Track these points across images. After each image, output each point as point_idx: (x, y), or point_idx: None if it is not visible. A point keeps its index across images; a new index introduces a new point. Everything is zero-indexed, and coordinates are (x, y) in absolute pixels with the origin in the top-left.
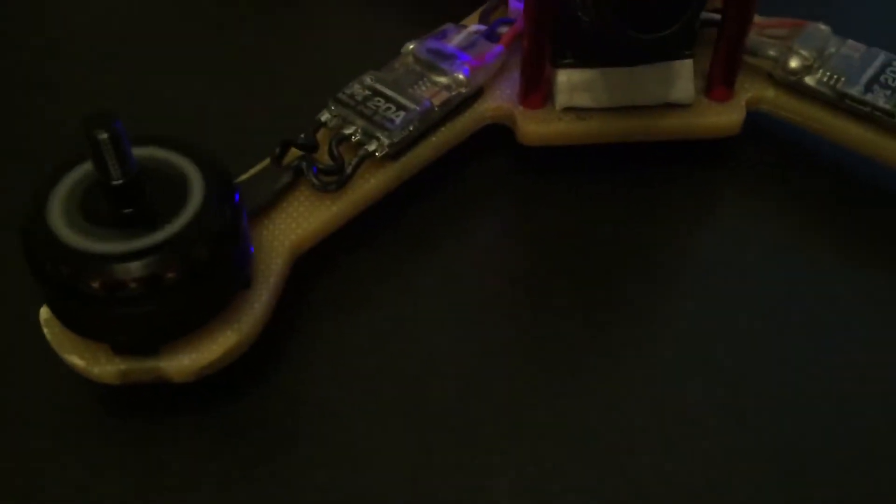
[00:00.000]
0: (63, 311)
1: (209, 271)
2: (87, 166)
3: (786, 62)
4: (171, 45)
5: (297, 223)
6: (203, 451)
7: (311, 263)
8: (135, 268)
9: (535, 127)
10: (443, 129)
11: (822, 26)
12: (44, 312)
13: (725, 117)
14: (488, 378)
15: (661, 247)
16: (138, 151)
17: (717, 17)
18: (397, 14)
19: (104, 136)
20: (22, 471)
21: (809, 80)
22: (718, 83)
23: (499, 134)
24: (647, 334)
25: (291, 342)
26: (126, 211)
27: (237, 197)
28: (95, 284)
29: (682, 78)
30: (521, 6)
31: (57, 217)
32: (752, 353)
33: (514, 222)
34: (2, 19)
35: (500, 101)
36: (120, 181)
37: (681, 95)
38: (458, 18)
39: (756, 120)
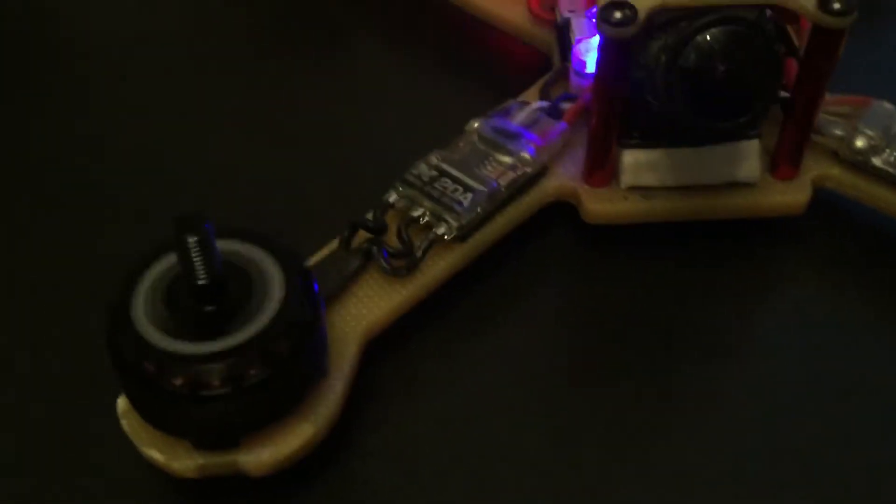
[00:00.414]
0: (144, 406)
1: (290, 366)
2: (171, 259)
3: (852, 141)
4: (232, 115)
5: (368, 309)
6: None
7: (377, 344)
8: (218, 367)
9: (600, 206)
10: (508, 208)
11: (887, 104)
12: (121, 404)
13: (791, 196)
14: (552, 464)
15: (724, 327)
16: (219, 245)
17: (785, 94)
18: (457, 85)
19: (194, 239)
20: None
21: (876, 161)
22: (784, 162)
23: (561, 208)
24: (708, 418)
25: (361, 429)
26: (209, 308)
27: (316, 288)
28: (178, 383)
29: (749, 158)
30: (581, 81)
31: (141, 312)
32: (817, 438)
33: (576, 301)
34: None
35: (565, 179)
36: (205, 281)
37: (747, 175)
38: (517, 91)
39: (822, 196)
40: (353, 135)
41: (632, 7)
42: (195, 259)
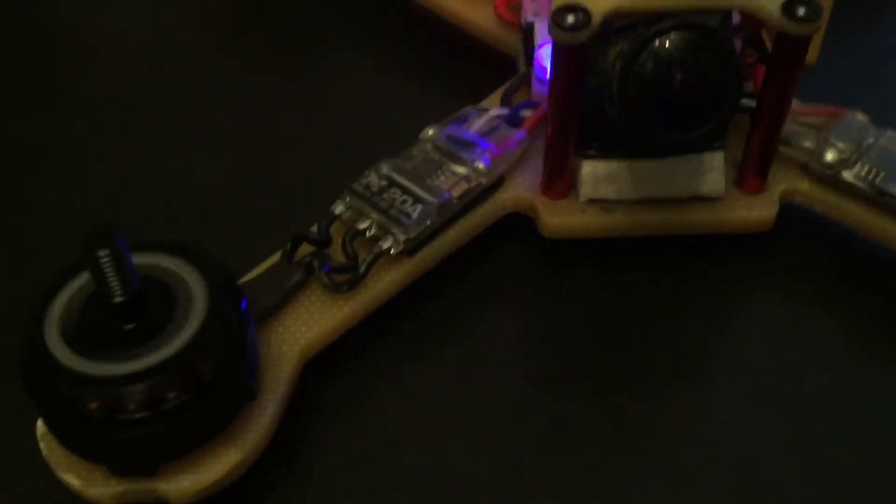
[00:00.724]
0: (59, 430)
1: (213, 388)
2: (85, 277)
3: (822, 155)
4: (178, 118)
5: (308, 326)
6: None
7: (317, 361)
8: (135, 390)
9: (557, 219)
10: (461, 221)
11: (861, 116)
12: (41, 426)
13: (757, 212)
14: (502, 492)
15: (688, 345)
16: (138, 259)
17: (751, 103)
18: (421, 89)
19: (105, 253)
20: None
21: (847, 175)
22: (751, 175)
23: (519, 219)
24: (674, 439)
25: (298, 451)
26: (127, 327)
27: (244, 304)
28: (93, 406)
29: (713, 171)
30: (543, 88)
31: (54, 335)
32: (786, 455)
33: (534, 317)
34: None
35: (522, 189)
36: (121, 298)
37: (711, 189)
38: (483, 95)
39: (789, 210)
40: (308, 141)
41: (585, 11)
42: (109, 275)
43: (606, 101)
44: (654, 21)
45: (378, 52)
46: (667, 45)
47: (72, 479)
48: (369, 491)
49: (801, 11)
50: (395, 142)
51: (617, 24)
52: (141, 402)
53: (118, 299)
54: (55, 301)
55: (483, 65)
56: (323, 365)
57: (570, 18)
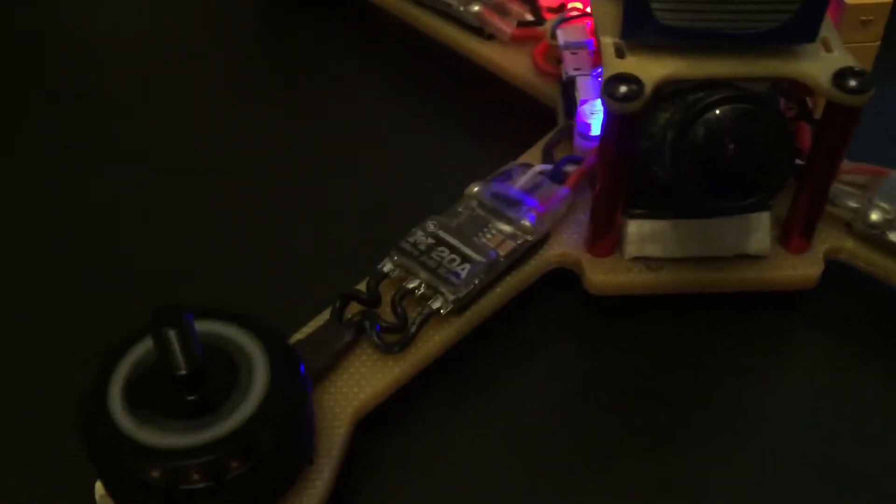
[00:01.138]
0: (120, 497)
1: (274, 457)
2: (147, 346)
3: (866, 214)
4: (224, 174)
5: (360, 387)
6: None
7: (368, 418)
8: (198, 462)
9: (603, 277)
10: (508, 278)
11: None
12: (99, 489)
13: (802, 271)
14: None
15: (727, 403)
16: (199, 326)
17: (800, 162)
18: (461, 139)
19: (172, 332)
20: None
21: (892, 236)
22: (796, 234)
23: (560, 272)
24: (719, 493)
25: None
26: (189, 398)
27: (302, 370)
28: (157, 476)
29: (759, 231)
30: (585, 143)
31: (118, 403)
32: None
33: (578, 372)
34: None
35: (567, 246)
36: (185, 372)
37: (757, 248)
38: (524, 144)
39: (831, 266)
40: (350, 196)
41: (638, 81)
42: (174, 351)
43: (655, 165)
44: (704, 87)
45: (419, 108)
46: (719, 115)
47: None
48: None
49: (853, 83)
50: (440, 196)
51: (666, 90)
52: (204, 473)
53: (182, 373)
54: (118, 369)
55: (522, 118)
56: (371, 423)
57: (623, 89)
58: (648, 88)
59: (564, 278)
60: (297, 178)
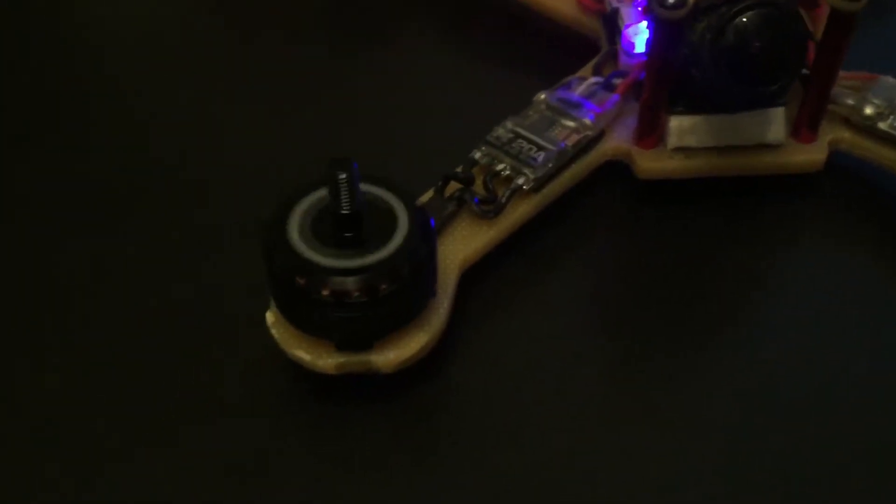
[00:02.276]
0: (294, 313)
1: (412, 284)
2: (313, 196)
3: (861, 109)
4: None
5: (464, 244)
6: (390, 435)
7: (464, 277)
8: (359, 280)
9: (649, 164)
10: (573, 165)
11: (891, 79)
12: (270, 316)
13: (811, 156)
14: (606, 372)
15: (751, 268)
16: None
17: (805, 72)
18: (509, 70)
19: (343, 176)
20: (244, 450)
21: (882, 126)
22: (805, 127)
23: (612, 170)
24: (732, 356)
25: (457, 343)
26: (347, 235)
27: (432, 223)
28: (325, 292)
29: (776, 123)
30: (630, 60)
31: (295, 233)
32: (827, 383)
33: (629, 245)
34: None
35: (619, 142)
36: (348, 211)
37: (774, 137)
38: (569, 71)
39: (836, 158)
40: (442, 106)
41: None
42: (342, 192)
43: (694, 67)
44: (734, 1)
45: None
46: (746, 21)
47: (302, 354)
48: (504, 372)
49: None
50: (507, 108)
51: (703, 4)
52: (361, 290)
53: (345, 211)
54: (294, 208)
55: (565, 50)
56: (466, 280)
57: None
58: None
59: (612, 177)
60: (365, 105)
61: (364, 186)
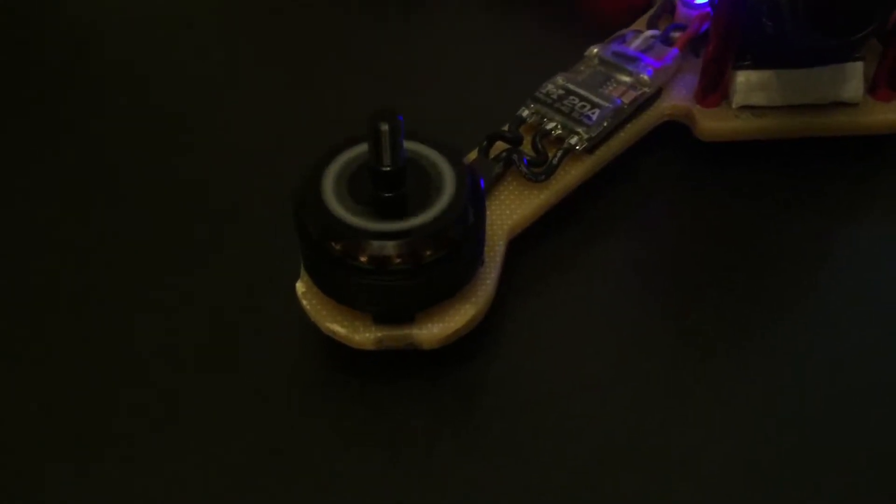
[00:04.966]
0: (328, 281)
1: (458, 251)
2: (352, 153)
3: None
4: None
5: (512, 210)
6: (438, 412)
7: (512, 246)
8: (400, 245)
9: (713, 124)
10: (629, 125)
11: None
12: (300, 286)
13: (890, 116)
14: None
15: (821, 235)
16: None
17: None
18: (569, 24)
19: (385, 127)
20: (277, 429)
21: None
22: (883, 86)
23: (670, 131)
24: (787, 325)
25: (503, 317)
26: (387, 195)
27: (482, 184)
28: (363, 259)
29: (853, 79)
30: (690, 12)
31: (330, 194)
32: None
33: (687, 210)
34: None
35: (678, 100)
36: (389, 168)
37: (851, 95)
38: (621, 26)
39: None
40: (484, 65)
41: None
42: (384, 146)
43: (766, 17)
44: None
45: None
46: None
47: (337, 328)
48: (551, 344)
49: None
50: (555, 63)
51: None
52: (402, 256)
53: (386, 168)
54: (329, 167)
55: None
56: (513, 248)
57: None
58: None
59: (668, 139)
60: (407, 64)
61: (407, 144)
